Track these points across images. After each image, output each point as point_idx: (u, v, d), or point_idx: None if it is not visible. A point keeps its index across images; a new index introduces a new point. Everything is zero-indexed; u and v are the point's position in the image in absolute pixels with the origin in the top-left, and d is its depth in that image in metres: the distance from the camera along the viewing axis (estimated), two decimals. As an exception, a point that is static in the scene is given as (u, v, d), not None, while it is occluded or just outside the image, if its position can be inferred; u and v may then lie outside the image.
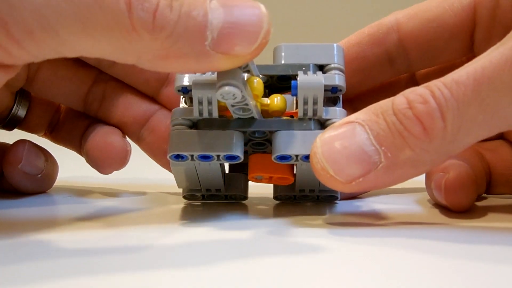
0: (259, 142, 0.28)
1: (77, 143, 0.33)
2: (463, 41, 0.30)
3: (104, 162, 0.31)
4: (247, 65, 0.25)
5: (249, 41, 0.22)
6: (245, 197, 0.30)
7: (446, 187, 0.28)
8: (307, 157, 0.26)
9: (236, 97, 0.24)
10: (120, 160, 0.31)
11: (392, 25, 0.30)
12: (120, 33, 0.22)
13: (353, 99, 0.32)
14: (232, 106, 0.26)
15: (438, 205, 0.30)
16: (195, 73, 0.27)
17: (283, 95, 0.28)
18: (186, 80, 0.27)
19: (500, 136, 0.33)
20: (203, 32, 0.22)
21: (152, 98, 0.33)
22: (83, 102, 0.33)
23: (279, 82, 0.28)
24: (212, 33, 0.22)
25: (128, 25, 0.21)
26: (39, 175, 0.32)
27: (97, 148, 0.31)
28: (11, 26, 0.21)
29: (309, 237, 0.25)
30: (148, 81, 0.32)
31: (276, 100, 0.27)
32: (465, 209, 0.29)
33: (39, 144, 0.33)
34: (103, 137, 0.31)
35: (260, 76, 0.27)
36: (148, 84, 0.32)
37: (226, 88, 0.24)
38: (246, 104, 0.25)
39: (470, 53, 0.30)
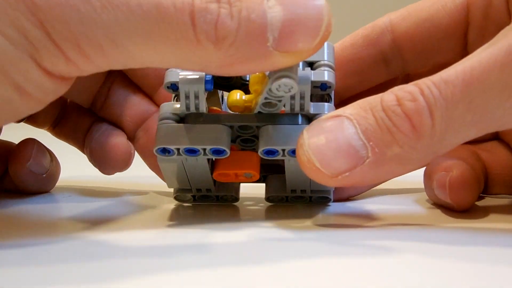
0: (248, 139, 0.28)
1: (80, 140, 0.33)
2: (456, 41, 0.30)
3: (108, 164, 0.32)
4: None
5: (311, 35, 0.23)
6: (237, 199, 0.30)
7: (451, 185, 0.28)
8: (294, 152, 0.26)
9: (291, 90, 0.24)
10: (124, 162, 0.32)
11: (386, 26, 0.30)
12: (186, 46, 0.22)
13: (348, 100, 0.32)
14: (265, 99, 0.26)
15: (436, 206, 0.30)
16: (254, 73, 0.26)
17: None
18: (174, 76, 0.27)
19: (496, 137, 0.32)
20: (263, 34, 0.22)
21: (150, 98, 0.33)
22: (92, 99, 0.33)
23: None
24: (273, 33, 0.22)
25: (192, 37, 0.22)
26: (44, 175, 0.33)
27: (101, 149, 0.31)
28: (82, 42, 0.22)
29: (301, 239, 0.25)
30: (147, 76, 0.32)
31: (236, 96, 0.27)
32: (468, 208, 0.28)
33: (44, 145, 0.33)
34: (108, 138, 0.32)
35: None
36: (147, 79, 0.32)
37: (284, 80, 0.24)
38: (280, 101, 0.26)
39: (464, 52, 0.30)
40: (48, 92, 0.23)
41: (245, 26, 0.22)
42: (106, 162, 0.31)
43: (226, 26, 0.22)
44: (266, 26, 0.22)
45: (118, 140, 0.32)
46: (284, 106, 0.27)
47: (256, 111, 0.27)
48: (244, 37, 0.22)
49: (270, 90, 0.24)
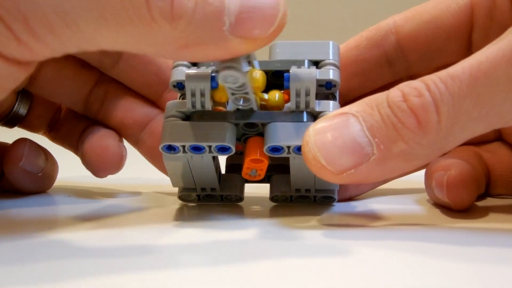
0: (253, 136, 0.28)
1: (75, 144, 0.33)
2: (461, 42, 0.30)
3: (99, 166, 0.31)
4: (249, 56, 0.25)
5: (267, 23, 0.23)
6: (241, 198, 0.30)
7: (448, 184, 0.28)
8: (299, 149, 0.26)
9: (237, 81, 0.24)
10: (115, 164, 0.31)
11: (390, 28, 0.30)
12: (140, 25, 0.22)
13: (352, 102, 0.32)
14: (233, 94, 0.26)
15: (438, 206, 0.30)
16: (216, 60, 0.26)
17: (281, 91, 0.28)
18: (180, 75, 0.27)
19: (499, 138, 0.33)
20: (220, 17, 0.22)
21: (153, 103, 0.33)
22: (84, 104, 0.33)
23: (274, 78, 0.28)
24: (230, 17, 0.22)
25: (147, 16, 0.21)
26: (39, 174, 0.32)
27: (92, 151, 0.31)
28: (32, 22, 0.21)
29: (305, 238, 0.25)
30: (150, 85, 0.32)
31: (276, 96, 0.27)
32: (466, 207, 0.28)
33: (37, 143, 0.33)
34: (99, 140, 0.31)
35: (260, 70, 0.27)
36: (150, 87, 0.32)
37: (228, 71, 0.24)
38: (247, 93, 0.26)
39: (469, 54, 0.30)
40: (5, 77, 0.23)
41: (202, 7, 0.22)
42: (98, 165, 0.31)
43: (182, 5, 0.22)
44: (223, 9, 0.22)
45: (109, 142, 0.31)
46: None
47: (233, 108, 0.27)
48: (200, 18, 0.22)
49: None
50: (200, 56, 0.23)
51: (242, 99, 0.26)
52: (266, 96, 0.27)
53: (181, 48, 0.22)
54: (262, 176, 0.28)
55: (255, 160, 0.27)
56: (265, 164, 0.27)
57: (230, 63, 0.24)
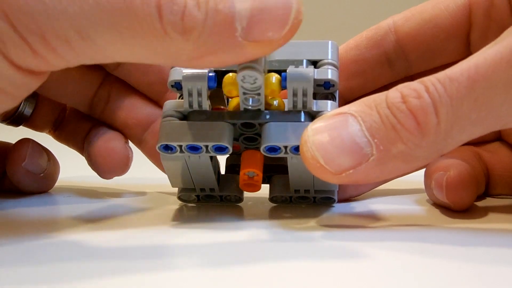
0: (251, 137, 0.28)
1: (80, 144, 0.33)
2: (459, 42, 0.30)
3: (106, 168, 0.32)
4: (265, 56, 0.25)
5: (280, 24, 0.22)
6: (240, 199, 0.30)
7: (448, 184, 0.28)
8: (296, 149, 0.26)
9: (256, 82, 0.24)
10: (122, 166, 0.32)
11: (390, 27, 0.30)
12: (153, 38, 0.22)
13: (352, 102, 0.32)
14: (244, 94, 0.26)
15: (437, 206, 0.30)
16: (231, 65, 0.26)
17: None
18: (178, 75, 0.27)
19: (499, 138, 0.32)
20: (231, 24, 0.22)
21: (156, 103, 0.33)
22: (89, 104, 0.33)
23: None
24: (242, 23, 0.22)
25: (159, 29, 0.22)
26: (42, 174, 0.33)
27: (99, 153, 0.31)
28: (48, 35, 0.21)
29: (305, 240, 0.25)
30: (152, 84, 0.32)
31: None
32: (466, 208, 0.28)
33: (40, 143, 0.33)
34: (106, 142, 0.32)
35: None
36: (153, 87, 0.32)
37: (247, 71, 0.24)
38: (259, 94, 0.26)
39: (467, 53, 0.30)
40: (19, 86, 0.23)
41: (212, 16, 0.22)
42: (104, 167, 0.31)
43: (193, 17, 0.22)
44: (234, 16, 0.22)
45: (116, 144, 0.32)
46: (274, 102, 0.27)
47: (241, 108, 0.27)
48: (212, 27, 0.22)
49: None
50: (216, 63, 0.23)
51: (251, 99, 0.26)
52: (276, 103, 0.27)
53: (195, 59, 0.23)
54: (259, 187, 0.28)
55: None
56: (260, 176, 0.27)
57: (252, 63, 0.24)
